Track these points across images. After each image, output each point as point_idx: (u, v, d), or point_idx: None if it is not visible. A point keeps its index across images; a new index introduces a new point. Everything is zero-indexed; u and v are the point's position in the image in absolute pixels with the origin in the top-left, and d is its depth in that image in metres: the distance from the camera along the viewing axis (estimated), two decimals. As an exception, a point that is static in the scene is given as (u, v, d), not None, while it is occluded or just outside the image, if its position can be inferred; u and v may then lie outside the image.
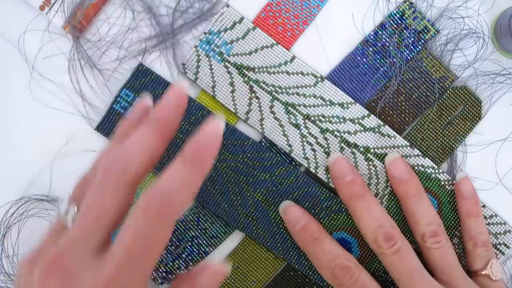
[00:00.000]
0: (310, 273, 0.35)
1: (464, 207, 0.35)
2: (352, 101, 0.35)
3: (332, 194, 0.35)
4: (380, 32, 0.35)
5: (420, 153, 0.35)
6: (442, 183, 0.35)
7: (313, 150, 0.35)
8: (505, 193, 0.36)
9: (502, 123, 0.36)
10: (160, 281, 0.35)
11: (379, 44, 0.35)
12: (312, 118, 0.35)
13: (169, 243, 0.35)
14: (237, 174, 0.35)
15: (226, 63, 0.35)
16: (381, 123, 0.35)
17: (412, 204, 0.33)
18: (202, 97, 0.35)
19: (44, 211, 0.36)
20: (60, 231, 0.25)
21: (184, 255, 0.36)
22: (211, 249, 0.36)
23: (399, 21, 0.35)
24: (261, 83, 0.35)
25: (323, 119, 0.35)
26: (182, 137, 0.35)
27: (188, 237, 0.36)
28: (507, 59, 0.36)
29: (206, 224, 0.36)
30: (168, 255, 0.35)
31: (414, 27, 0.35)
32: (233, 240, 0.36)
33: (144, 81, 0.35)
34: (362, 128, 0.35)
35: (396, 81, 0.35)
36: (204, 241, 0.36)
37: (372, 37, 0.35)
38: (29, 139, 0.36)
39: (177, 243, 0.35)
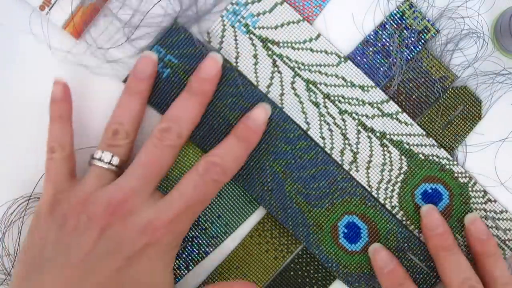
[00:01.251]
0: (317, 252, 0.35)
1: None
2: (373, 84, 0.35)
3: (349, 176, 0.35)
4: (380, 32, 0.35)
5: (435, 143, 0.35)
6: (456, 175, 0.35)
7: (330, 130, 0.35)
8: (505, 194, 0.36)
9: (502, 123, 0.36)
10: (160, 281, 0.36)
11: (379, 44, 0.35)
12: (332, 98, 0.35)
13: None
14: (259, 141, 0.35)
15: (251, 35, 0.35)
16: (400, 109, 0.35)
17: (490, 263, 0.33)
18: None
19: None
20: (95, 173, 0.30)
21: (184, 255, 0.36)
22: (211, 249, 0.36)
23: (399, 21, 0.35)
24: (285, 58, 0.35)
25: (342, 100, 0.35)
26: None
27: (188, 237, 0.35)
28: (507, 59, 0.36)
29: (206, 224, 0.36)
30: (168, 255, 0.35)
31: (414, 27, 0.35)
32: (234, 240, 0.36)
33: (178, 39, 0.35)
34: (380, 113, 0.35)
35: (396, 81, 0.35)
36: (204, 241, 0.36)
37: (372, 37, 0.35)
38: (30, 138, 0.36)
39: (177, 243, 0.36)
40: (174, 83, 0.34)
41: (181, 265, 0.36)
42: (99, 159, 0.30)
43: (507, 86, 0.36)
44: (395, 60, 0.35)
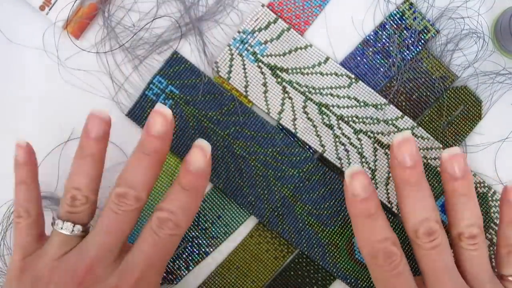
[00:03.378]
0: (334, 270, 0.35)
1: (509, 214, 0.32)
2: (386, 102, 0.35)
3: None
4: (380, 33, 0.35)
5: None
6: (474, 185, 0.35)
7: (346, 150, 0.35)
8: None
9: (502, 123, 0.36)
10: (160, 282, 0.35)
11: (379, 45, 0.35)
12: (346, 119, 0.35)
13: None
14: (266, 168, 0.35)
15: (260, 64, 0.35)
16: (415, 124, 0.35)
17: (459, 203, 0.31)
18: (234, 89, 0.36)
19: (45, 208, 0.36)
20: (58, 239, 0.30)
21: (184, 256, 0.36)
22: (211, 250, 0.36)
23: (399, 22, 0.35)
24: (295, 84, 0.35)
25: (356, 120, 0.35)
26: (213, 127, 0.35)
27: (189, 237, 0.36)
28: (507, 59, 0.36)
29: (206, 225, 0.36)
30: (169, 255, 0.35)
31: (414, 27, 0.35)
32: (234, 240, 0.36)
33: (178, 69, 0.35)
34: (395, 129, 0.35)
35: (396, 81, 0.35)
36: (204, 242, 0.36)
37: (372, 37, 0.35)
38: (29, 137, 0.36)
39: (178, 244, 0.35)
40: (176, 115, 0.35)
41: (181, 266, 0.36)
42: (61, 228, 0.30)
43: (507, 86, 0.36)
44: (395, 60, 0.35)
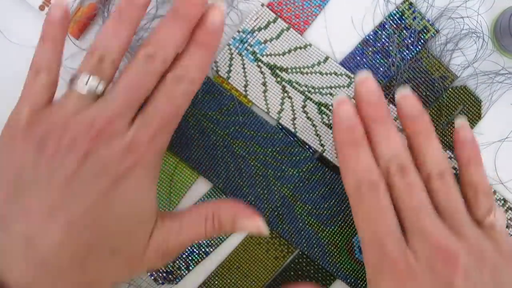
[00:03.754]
0: (334, 270, 0.35)
1: (465, 154, 0.32)
2: (385, 101, 0.35)
3: None
4: (380, 32, 0.35)
5: (452, 155, 0.35)
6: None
7: None
8: (506, 193, 0.36)
9: (502, 123, 0.36)
10: (161, 281, 0.35)
11: (379, 44, 0.35)
12: None
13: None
14: (266, 168, 0.35)
15: (259, 63, 0.35)
16: None
17: (421, 143, 0.31)
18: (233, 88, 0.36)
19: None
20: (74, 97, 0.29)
21: (184, 256, 0.36)
22: (211, 249, 0.36)
23: (399, 21, 0.35)
24: (294, 83, 0.35)
25: None
26: (213, 127, 0.35)
27: (188, 237, 0.36)
28: (506, 59, 0.36)
29: (206, 224, 0.36)
30: (169, 255, 0.35)
31: (413, 27, 0.35)
32: (234, 240, 0.36)
33: None
34: (398, 129, 0.35)
35: (396, 81, 0.35)
36: (204, 241, 0.36)
37: (371, 37, 0.35)
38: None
39: (178, 243, 0.35)
40: None
41: (181, 265, 0.36)
42: (85, 83, 0.29)
43: (507, 85, 0.36)
44: (394, 60, 0.35)
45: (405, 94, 0.31)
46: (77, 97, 0.29)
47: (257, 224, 0.30)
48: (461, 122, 0.32)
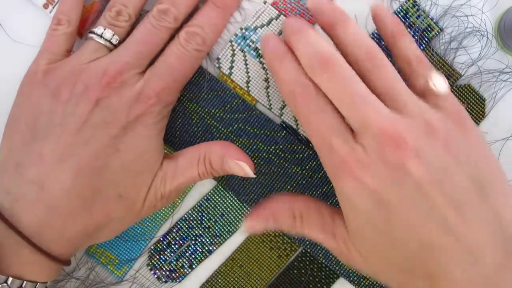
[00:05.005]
0: (337, 268, 0.35)
1: (388, 29, 0.30)
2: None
3: None
4: (384, 31, 0.35)
5: None
6: None
7: None
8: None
9: (506, 121, 0.36)
10: (164, 279, 0.36)
11: (383, 43, 0.35)
12: None
13: (173, 242, 0.35)
14: (269, 165, 0.35)
15: (261, 59, 0.35)
16: None
17: (341, 32, 0.29)
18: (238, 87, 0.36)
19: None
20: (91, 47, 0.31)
21: (187, 254, 0.36)
22: (214, 248, 0.36)
23: (403, 20, 0.35)
24: None
25: None
26: (216, 124, 0.35)
27: (192, 235, 0.36)
28: (511, 57, 0.36)
29: (209, 223, 0.36)
30: (172, 254, 0.35)
31: (417, 26, 0.35)
32: (237, 238, 0.36)
33: None
34: None
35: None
36: (207, 240, 0.36)
37: (376, 35, 0.35)
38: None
39: (181, 242, 0.36)
40: (179, 112, 0.35)
41: (184, 264, 0.36)
42: (100, 35, 0.31)
43: (511, 84, 0.35)
44: (398, 58, 0.35)
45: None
46: (92, 48, 0.31)
47: (242, 167, 0.31)
48: (374, 6, 0.31)
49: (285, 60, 0.29)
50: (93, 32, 0.31)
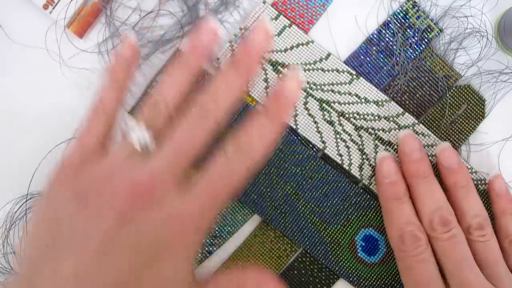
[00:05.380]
0: (337, 269, 0.35)
1: (499, 205, 0.34)
2: (388, 99, 0.35)
3: (361, 191, 0.35)
4: (384, 31, 0.35)
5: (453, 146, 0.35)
6: (475, 182, 0.35)
7: (347, 147, 0.35)
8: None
9: (506, 122, 0.36)
10: (164, 280, 0.35)
11: (383, 43, 0.35)
12: (347, 116, 0.35)
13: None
14: (268, 166, 0.35)
15: (261, 59, 0.35)
16: (416, 121, 0.35)
17: (460, 195, 0.33)
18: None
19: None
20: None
21: (187, 254, 0.36)
22: (214, 249, 0.36)
23: (403, 20, 0.35)
24: None
25: (357, 117, 0.35)
26: None
27: (192, 236, 0.36)
28: (510, 58, 0.36)
29: (209, 223, 0.36)
30: (172, 254, 0.35)
31: (417, 26, 0.35)
32: (237, 239, 0.36)
33: None
34: (396, 126, 0.35)
35: (400, 80, 0.35)
36: (207, 241, 0.36)
37: (375, 36, 0.35)
38: (32, 135, 0.36)
39: (181, 242, 0.35)
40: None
41: (184, 264, 0.36)
42: (137, 138, 0.26)
43: (511, 85, 0.35)
44: (398, 59, 0.35)
45: (444, 147, 0.33)
46: (127, 150, 0.26)
47: None
48: (495, 173, 0.35)
49: (403, 203, 0.33)
50: (130, 130, 0.26)
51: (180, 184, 0.26)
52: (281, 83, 0.27)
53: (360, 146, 0.35)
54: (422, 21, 0.35)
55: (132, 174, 0.25)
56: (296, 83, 0.27)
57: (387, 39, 0.35)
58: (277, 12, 0.35)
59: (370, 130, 0.35)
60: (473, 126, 0.36)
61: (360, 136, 0.35)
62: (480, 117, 0.36)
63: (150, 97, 0.27)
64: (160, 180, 0.25)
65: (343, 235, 0.35)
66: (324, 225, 0.35)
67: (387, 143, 0.35)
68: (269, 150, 0.27)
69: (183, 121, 0.26)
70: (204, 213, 0.26)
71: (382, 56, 0.35)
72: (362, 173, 0.35)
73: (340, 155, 0.35)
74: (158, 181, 0.25)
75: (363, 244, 0.35)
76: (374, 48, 0.35)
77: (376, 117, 0.35)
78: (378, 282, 0.35)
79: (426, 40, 0.35)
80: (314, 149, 0.36)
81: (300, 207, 0.35)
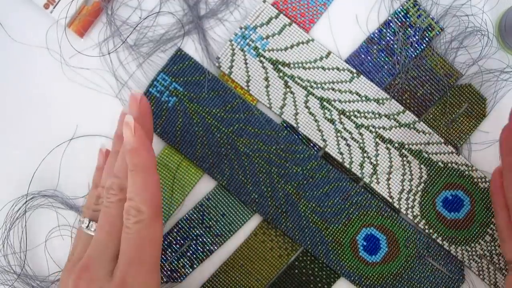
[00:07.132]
0: (338, 268, 0.35)
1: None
2: (388, 97, 0.35)
3: (362, 190, 0.35)
4: (385, 30, 0.35)
5: (454, 150, 0.35)
6: (475, 180, 0.35)
7: (348, 145, 0.35)
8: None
9: (507, 121, 0.36)
10: (165, 280, 0.35)
11: (384, 42, 0.35)
12: (347, 114, 0.35)
13: (174, 241, 0.35)
14: (269, 165, 0.35)
15: (261, 58, 0.35)
16: (417, 119, 0.35)
17: None
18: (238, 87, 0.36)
19: (50, 207, 0.36)
20: (83, 239, 0.30)
21: (189, 254, 0.36)
22: (215, 247, 0.36)
23: (404, 19, 0.35)
24: (296, 79, 0.35)
25: (358, 115, 0.35)
26: (217, 124, 0.35)
27: (193, 235, 0.35)
28: (511, 57, 0.36)
29: (210, 223, 0.36)
30: (173, 254, 0.35)
31: (418, 25, 0.35)
32: (238, 238, 0.36)
33: (182, 67, 0.35)
34: (397, 124, 0.35)
35: (401, 79, 0.35)
36: (208, 240, 0.36)
37: (376, 35, 0.35)
38: (34, 135, 0.35)
39: (182, 242, 0.35)
40: (180, 112, 0.35)
41: (185, 264, 0.36)
42: (87, 227, 0.30)
43: (512, 83, 0.36)
44: (399, 58, 0.35)
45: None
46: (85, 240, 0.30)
47: None
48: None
49: None
50: (81, 225, 0.30)
51: (117, 254, 0.28)
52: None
53: (361, 144, 0.35)
54: (423, 20, 0.35)
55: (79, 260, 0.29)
56: (129, 131, 0.28)
57: (388, 38, 0.35)
58: (277, 11, 0.35)
59: (370, 128, 0.35)
60: (474, 124, 0.36)
61: (360, 134, 0.35)
62: (481, 115, 0.36)
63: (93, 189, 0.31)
64: (95, 260, 0.28)
65: (344, 234, 0.35)
66: (325, 224, 0.35)
67: (387, 141, 0.35)
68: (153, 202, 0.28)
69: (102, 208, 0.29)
70: (128, 280, 0.28)
71: (383, 55, 0.35)
72: (363, 171, 0.35)
73: (341, 153, 0.35)
74: (91, 262, 0.28)
75: (365, 243, 0.35)
76: (375, 47, 0.35)
77: (377, 115, 0.35)
78: (379, 281, 0.35)
79: (427, 39, 0.35)
80: (315, 148, 0.36)
81: (301, 206, 0.35)
